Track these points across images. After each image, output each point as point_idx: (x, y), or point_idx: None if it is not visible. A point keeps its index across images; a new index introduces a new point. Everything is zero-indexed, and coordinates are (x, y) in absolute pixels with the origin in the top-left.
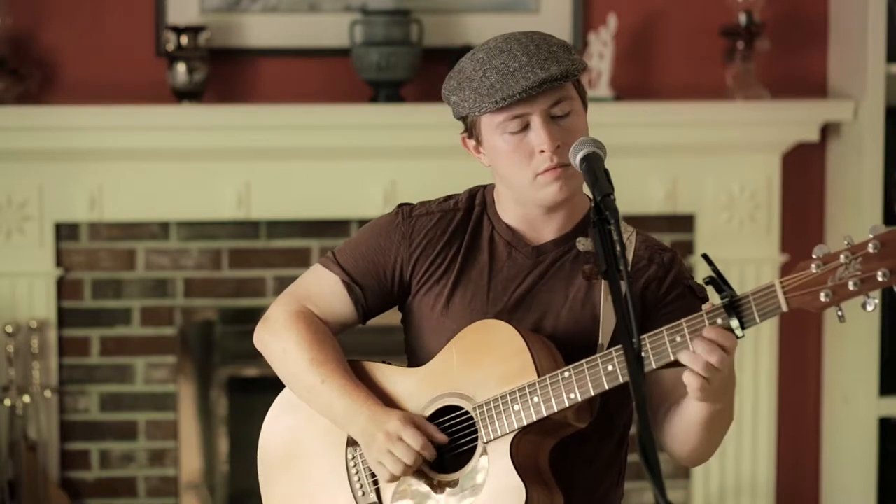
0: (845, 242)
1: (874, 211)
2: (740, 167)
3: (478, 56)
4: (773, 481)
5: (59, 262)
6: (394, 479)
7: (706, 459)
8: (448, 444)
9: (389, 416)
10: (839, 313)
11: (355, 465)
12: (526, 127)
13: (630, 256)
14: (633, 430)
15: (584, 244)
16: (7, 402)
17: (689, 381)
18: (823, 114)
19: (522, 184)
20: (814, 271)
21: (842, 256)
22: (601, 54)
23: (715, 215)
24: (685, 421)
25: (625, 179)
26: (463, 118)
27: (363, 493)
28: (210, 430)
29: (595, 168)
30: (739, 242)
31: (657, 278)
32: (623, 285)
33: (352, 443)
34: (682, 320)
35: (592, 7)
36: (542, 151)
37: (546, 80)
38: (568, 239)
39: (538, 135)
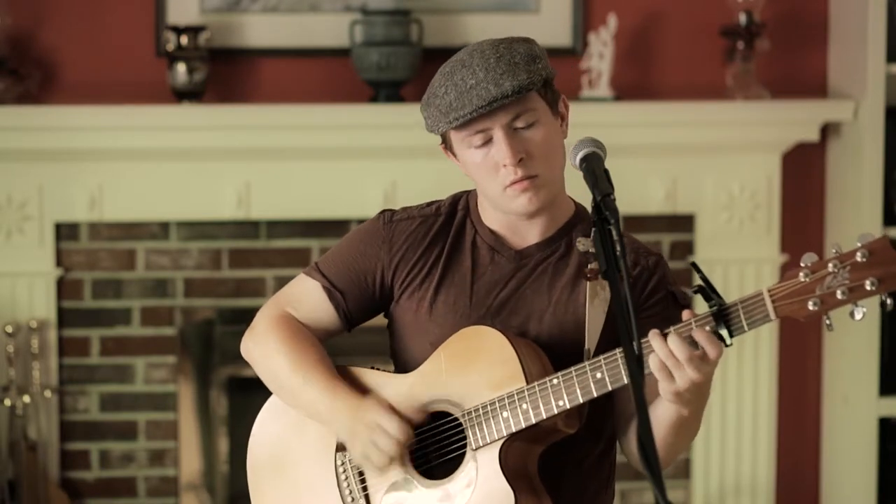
0: (833, 251)
1: (874, 211)
2: (740, 167)
3: (445, 70)
4: (773, 481)
5: (59, 262)
6: (384, 467)
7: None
8: (437, 451)
9: (366, 407)
10: (827, 322)
11: (344, 471)
12: (490, 140)
13: None
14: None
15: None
16: (7, 402)
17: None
18: (823, 114)
19: (494, 194)
20: (802, 280)
21: (830, 265)
22: (601, 54)
23: (715, 215)
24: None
25: (625, 179)
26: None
27: (352, 500)
28: (210, 430)
29: (595, 168)
30: (739, 242)
31: (641, 281)
32: (624, 285)
33: (341, 448)
34: (672, 328)
35: (592, 7)
36: (506, 166)
37: (497, 98)
38: (551, 242)
39: (500, 149)
